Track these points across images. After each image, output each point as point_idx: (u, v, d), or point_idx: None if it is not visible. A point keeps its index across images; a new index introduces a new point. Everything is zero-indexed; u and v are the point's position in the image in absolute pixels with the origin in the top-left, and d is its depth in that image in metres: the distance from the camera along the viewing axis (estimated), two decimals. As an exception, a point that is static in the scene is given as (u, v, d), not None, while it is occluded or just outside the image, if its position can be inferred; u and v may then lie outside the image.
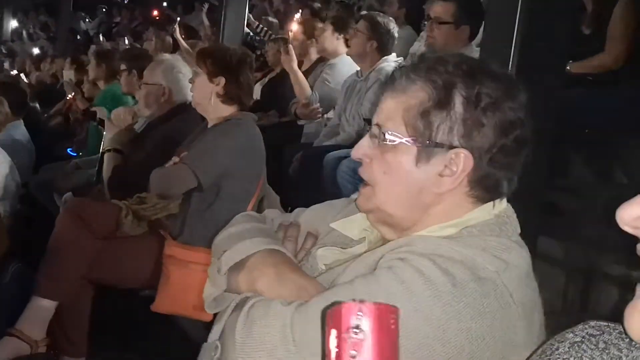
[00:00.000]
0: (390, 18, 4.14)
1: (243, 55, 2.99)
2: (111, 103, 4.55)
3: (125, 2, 14.10)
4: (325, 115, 4.43)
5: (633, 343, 0.76)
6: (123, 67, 4.50)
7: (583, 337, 0.82)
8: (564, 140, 2.93)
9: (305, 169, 3.79)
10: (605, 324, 0.82)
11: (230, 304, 1.19)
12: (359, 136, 1.22)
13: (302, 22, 5.20)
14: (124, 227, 2.77)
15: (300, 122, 4.51)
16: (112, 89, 5.15)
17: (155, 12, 11.38)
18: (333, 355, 0.64)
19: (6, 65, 11.80)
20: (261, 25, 6.74)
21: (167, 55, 3.84)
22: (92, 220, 2.74)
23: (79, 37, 13.31)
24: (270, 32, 6.68)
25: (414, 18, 5.53)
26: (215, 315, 1.26)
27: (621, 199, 0.69)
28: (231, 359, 1.12)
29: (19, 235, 3.51)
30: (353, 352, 0.64)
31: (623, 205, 0.69)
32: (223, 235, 1.32)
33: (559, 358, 0.82)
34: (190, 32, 6.92)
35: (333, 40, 4.54)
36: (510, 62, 2.50)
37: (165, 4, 12.45)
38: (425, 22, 3.84)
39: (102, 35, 11.95)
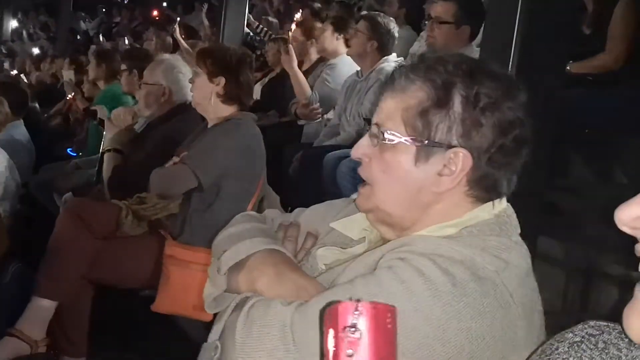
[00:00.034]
0: (391, 18, 4.14)
1: (243, 55, 2.99)
2: (111, 103, 4.54)
3: (125, 2, 14.10)
4: (325, 116, 4.44)
5: (632, 343, 0.76)
6: (124, 66, 4.50)
7: (582, 337, 0.82)
8: (564, 140, 2.93)
9: (305, 169, 3.79)
10: (605, 323, 0.82)
11: (230, 304, 1.19)
12: (359, 136, 1.22)
13: (300, 23, 5.19)
14: (124, 227, 2.77)
15: (300, 122, 4.51)
16: (112, 89, 5.15)
17: (155, 12, 11.38)
18: (330, 354, 0.65)
19: (6, 65, 11.80)
20: (261, 26, 6.74)
21: (167, 55, 3.84)
22: (92, 220, 2.74)
23: (78, 37, 13.31)
24: (270, 32, 6.69)
25: (414, 18, 5.54)
26: (215, 315, 1.26)
27: (621, 199, 0.69)
28: (231, 359, 1.12)
29: (19, 235, 3.51)
30: (350, 351, 0.64)
31: (621, 206, 0.69)
32: (223, 235, 1.32)
33: (558, 358, 0.82)
34: (190, 32, 6.92)
35: (333, 41, 4.54)
36: (510, 62, 2.50)
37: (165, 4, 12.45)
38: (426, 22, 3.84)
39: (102, 35, 11.96)
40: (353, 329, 0.64)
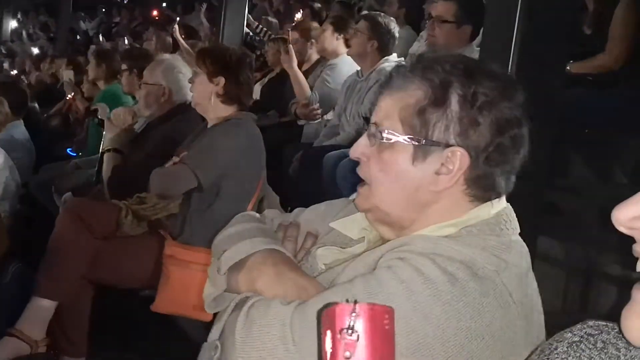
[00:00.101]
0: (391, 18, 4.13)
1: (243, 55, 2.99)
2: (111, 103, 4.54)
3: (125, 2, 14.10)
4: (325, 116, 4.43)
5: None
6: (124, 66, 4.50)
7: (581, 336, 0.82)
8: (564, 140, 2.93)
9: (305, 169, 3.79)
10: (604, 323, 0.82)
11: (230, 303, 1.19)
12: (359, 136, 1.22)
13: (296, 26, 5.18)
14: (124, 227, 2.76)
15: (300, 122, 4.51)
16: (112, 89, 5.14)
17: (155, 12, 11.38)
18: (328, 355, 0.64)
19: (6, 65, 11.80)
20: (261, 26, 6.74)
21: (167, 55, 3.84)
22: (92, 220, 2.74)
23: (78, 37, 13.31)
24: (269, 32, 6.68)
25: (414, 18, 5.54)
26: (215, 315, 1.26)
27: (621, 199, 0.69)
28: (231, 359, 1.12)
29: (19, 235, 3.51)
30: (347, 353, 0.64)
31: (618, 206, 0.69)
32: (223, 235, 1.32)
33: (557, 357, 0.82)
34: (190, 32, 6.92)
35: (333, 41, 4.54)
36: (510, 62, 2.50)
37: (164, 4, 12.45)
38: (427, 22, 3.83)
39: (102, 36, 11.96)
40: (350, 331, 0.64)
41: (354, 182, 1.24)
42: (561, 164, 3.11)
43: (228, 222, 1.38)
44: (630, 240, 0.69)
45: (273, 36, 6.11)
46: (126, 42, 9.77)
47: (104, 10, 14.60)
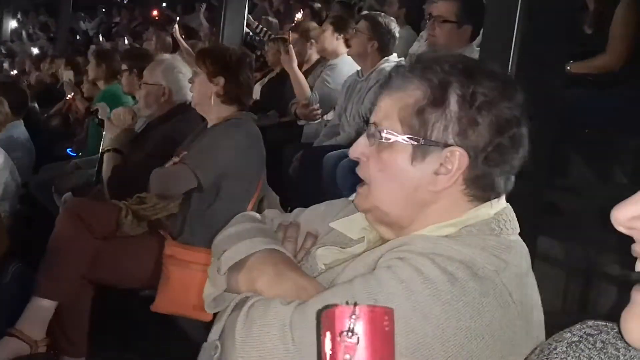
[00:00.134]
0: (392, 18, 4.12)
1: (243, 55, 2.99)
2: (111, 103, 4.54)
3: (125, 2, 14.10)
4: (325, 116, 4.43)
5: (631, 343, 0.76)
6: (124, 66, 4.50)
7: (581, 336, 0.82)
8: (564, 140, 2.93)
9: (305, 169, 3.79)
10: (603, 323, 0.82)
11: (230, 303, 1.19)
12: (359, 136, 1.22)
13: (295, 27, 5.17)
14: (124, 227, 2.76)
15: (300, 123, 4.51)
16: (112, 89, 5.14)
17: (155, 12, 11.38)
18: (327, 357, 0.64)
19: (6, 65, 11.80)
20: (260, 26, 6.74)
21: (167, 56, 3.84)
22: (91, 220, 2.74)
23: (78, 37, 13.31)
24: (269, 32, 6.68)
25: (414, 18, 5.54)
26: (215, 315, 1.26)
27: (621, 199, 0.69)
28: (231, 359, 1.12)
29: (19, 235, 3.51)
30: (347, 356, 0.63)
31: (617, 206, 0.69)
32: (223, 235, 1.32)
33: (557, 357, 0.82)
34: (189, 33, 6.92)
35: (333, 41, 4.53)
36: (510, 62, 2.50)
37: (164, 4, 12.45)
38: (427, 22, 3.83)
39: (102, 36, 11.95)
40: (350, 334, 0.63)
41: (354, 182, 1.24)
42: (561, 164, 3.11)
43: (228, 222, 1.38)
44: (630, 240, 0.69)
45: (273, 36, 6.11)
46: (126, 42, 9.77)
47: (103, 10, 14.59)
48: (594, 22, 3.45)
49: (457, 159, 1.13)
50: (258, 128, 2.96)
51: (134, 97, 4.42)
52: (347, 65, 4.32)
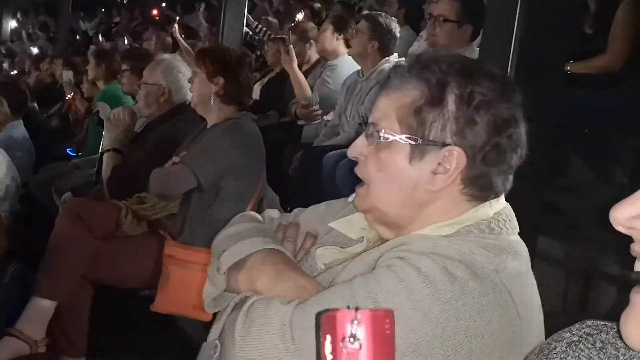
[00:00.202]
0: (392, 18, 4.12)
1: (242, 55, 2.99)
2: (111, 103, 4.54)
3: (125, 2, 14.10)
4: (324, 117, 4.42)
5: (630, 342, 0.76)
6: (126, 66, 4.49)
7: (580, 336, 0.82)
8: (564, 140, 2.93)
9: (305, 169, 3.79)
10: (603, 323, 0.82)
11: (230, 303, 1.19)
12: (359, 136, 1.22)
13: (294, 29, 5.16)
14: (124, 227, 2.76)
15: (300, 123, 4.50)
16: (111, 89, 5.14)
17: (155, 12, 11.38)
18: None
19: (5, 65, 11.80)
20: (260, 25, 6.74)
21: (166, 55, 3.83)
22: (91, 220, 2.73)
23: (78, 37, 13.31)
24: (269, 32, 6.68)
25: (414, 18, 5.54)
26: (215, 315, 1.26)
27: (621, 199, 0.69)
28: (231, 358, 1.12)
29: (19, 235, 3.51)
30: None
31: (616, 205, 0.68)
32: (222, 235, 1.32)
33: (556, 357, 0.82)
34: (189, 33, 6.92)
35: (333, 41, 4.52)
36: (510, 62, 2.50)
37: (164, 4, 12.45)
38: (426, 22, 3.82)
39: (102, 35, 11.95)
40: (352, 340, 0.63)
41: (354, 182, 1.24)
42: (561, 164, 3.11)
43: (228, 222, 1.38)
44: (629, 240, 0.69)
45: (273, 36, 6.11)
46: (126, 42, 9.77)
47: (103, 10, 14.59)
48: (595, 22, 3.45)
49: (455, 158, 1.13)
50: (258, 128, 2.96)
51: (133, 97, 4.42)
52: (347, 66, 4.31)
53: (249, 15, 6.50)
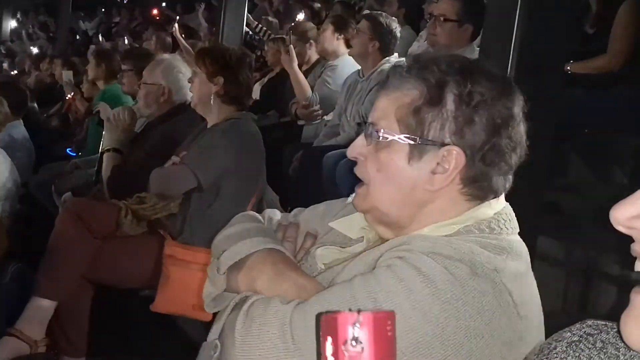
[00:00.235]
0: (393, 18, 4.11)
1: (242, 55, 2.99)
2: (111, 103, 4.53)
3: (125, 2, 14.10)
4: (325, 117, 4.42)
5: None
6: (128, 67, 4.49)
7: (580, 336, 0.82)
8: (564, 140, 2.93)
9: (305, 169, 3.79)
10: (603, 323, 0.82)
11: (230, 303, 1.19)
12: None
13: (295, 29, 5.15)
14: (124, 227, 2.76)
15: (300, 122, 4.50)
16: (111, 89, 5.14)
17: (155, 12, 11.38)
18: None
19: (5, 65, 11.79)
20: (260, 25, 6.73)
21: (166, 55, 3.83)
22: (91, 220, 2.73)
23: (78, 37, 13.30)
24: (269, 31, 6.68)
25: (414, 18, 5.53)
26: (215, 315, 1.26)
27: (621, 199, 0.69)
28: (231, 358, 1.12)
29: (18, 235, 3.51)
30: None
31: (616, 205, 0.68)
32: (222, 235, 1.32)
33: (556, 357, 0.82)
34: (189, 32, 6.92)
35: (333, 41, 4.52)
36: (510, 62, 2.50)
37: (164, 3, 12.44)
38: (426, 22, 3.82)
39: (102, 35, 11.95)
40: (354, 343, 0.63)
41: (354, 182, 1.25)
42: (561, 164, 3.11)
43: (228, 222, 1.38)
44: (629, 239, 0.69)
45: (273, 36, 6.11)
46: (126, 42, 9.77)
47: (103, 10, 14.59)
48: (596, 22, 3.45)
49: (454, 158, 1.13)
50: (258, 128, 2.96)
51: (134, 97, 4.42)
52: (347, 66, 4.31)
53: (249, 15, 6.50)
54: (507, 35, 2.52)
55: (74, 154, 5.30)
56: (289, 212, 1.46)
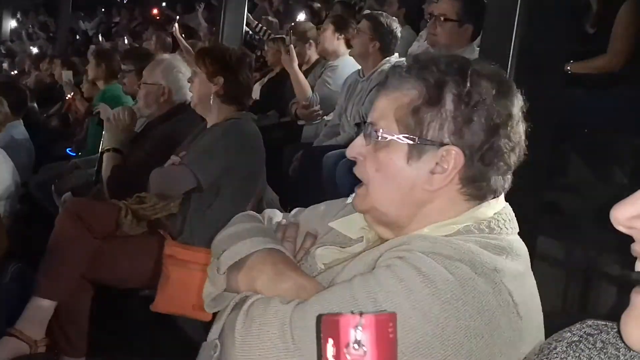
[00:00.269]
0: (394, 18, 4.10)
1: (242, 55, 2.99)
2: (112, 104, 4.53)
3: (125, 2, 14.10)
4: (325, 117, 4.42)
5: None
6: (130, 67, 4.48)
7: (581, 336, 0.82)
8: (564, 140, 2.93)
9: (305, 169, 3.79)
10: (603, 323, 0.82)
11: (230, 303, 1.19)
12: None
13: (294, 29, 5.15)
14: (124, 227, 2.76)
15: (300, 122, 4.50)
16: (111, 89, 5.14)
17: (155, 12, 11.37)
18: None
19: (5, 65, 11.79)
20: (260, 25, 6.73)
21: (166, 55, 3.83)
22: (91, 220, 2.73)
23: (78, 37, 13.30)
24: (269, 31, 6.68)
25: (414, 18, 5.53)
26: (215, 314, 1.26)
27: (620, 199, 0.69)
28: (231, 358, 1.12)
29: (18, 235, 3.51)
30: None
31: (616, 205, 0.68)
32: (222, 235, 1.32)
33: (556, 357, 0.82)
34: (189, 32, 6.92)
35: (333, 41, 4.51)
36: (510, 62, 2.50)
37: (164, 3, 12.44)
38: (427, 21, 3.82)
39: (102, 35, 11.95)
40: (356, 346, 0.63)
41: (353, 182, 1.25)
42: (561, 164, 3.11)
43: (228, 222, 1.38)
44: (630, 239, 0.69)
45: (273, 35, 6.10)
46: (126, 42, 9.77)
47: (103, 10, 14.59)
48: (597, 21, 3.44)
49: (453, 157, 1.13)
50: (258, 128, 2.96)
51: (134, 97, 4.42)
52: (348, 67, 4.30)
53: (249, 15, 6.50)
54: (507, 35, 2.52)
55: (74, 154, 5.30)
56: (289, 212, 1.46)
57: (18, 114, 4.79)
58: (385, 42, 3.87)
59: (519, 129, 1.16)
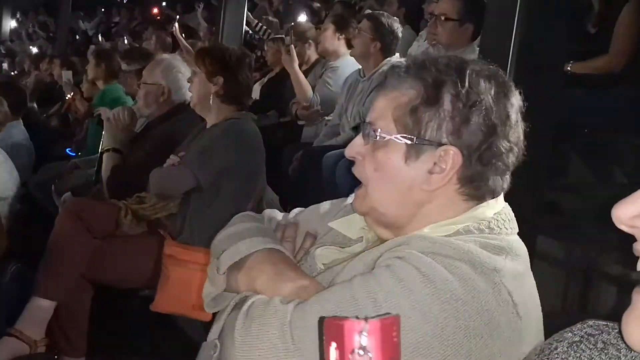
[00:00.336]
0: (395, 18, 4.09)
1: (242, 55, 2.99)
2: (111, 103, 4.53)
3: (125, 1, 14.10)
4: (325, 117, 4.42)
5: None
6: (132, 67, 4.48)
7: (582, 336, 0.82)
8: (564, 140, 2.93)
9: (305, 169, 3.79)
10: (604, 323, 0.82)
11: (230, 303, 1.19)
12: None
13: (293, 30, 5.14)
14: (123, 227, 2.76)
15: (300, 122, 4.49)
16: (111, 89, 5.14)
17: (155, 11, 11.37)
18: None
19: (5, 65, 11.79)
20: (260, 24, 6.73)
21: (166, 55, 3.83)
22: (91, 220, 2.73)
23: (77, 37, 13.30)
24: (269, 31, 6.67)
25: (414, 18, 5.53)
26: (214, 314, 1.26)
27: (620, 198, 0.69)
28: (230, 358, 1.12)
29: (18, 235, 3.51)
30: None
31: (618, 204, 0.68)
32: (222, 235, 1.32)
33: (557, 357, 0.82)
34: (189, 32, 6.92)
35: (334, 41, 4.50)
36: (510, 62, 2.50)
37: (164, 3, 12.44)
38: (427, 21, 3.81)
39: (101, 35, 11.95)
40: (361, 352, 0.62)
41: (353, 182, 1.25)
42: (561, 164, 3.11)
43: (228, 222, 1.38)
44: (630, 239, 0.69)
45: (273, 35, 6.10)
46: (126, 41, 9.77)
47: (103, 9, 14.59)
48: (598, 21, 3.44)
49: (451, 157, 1.13)
50: (258, 128, 2.96)
51: (133, 98, 4.42)
52: (348, 67, 4.29)
53: (249, 14, 6.50)
54: (507, 35, 2.52)
55: (74, 154, 5.30)
56: (289, 212, 1.46)
57: (18, 114, 4.79)
58: (386, 43, 3.87)
59: (518, 129, 1.16)
